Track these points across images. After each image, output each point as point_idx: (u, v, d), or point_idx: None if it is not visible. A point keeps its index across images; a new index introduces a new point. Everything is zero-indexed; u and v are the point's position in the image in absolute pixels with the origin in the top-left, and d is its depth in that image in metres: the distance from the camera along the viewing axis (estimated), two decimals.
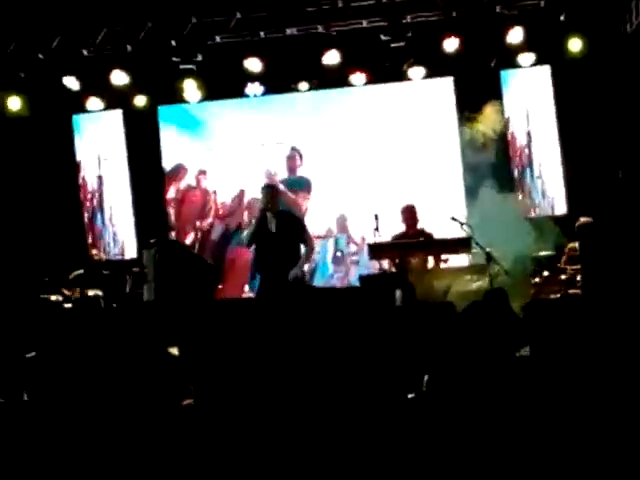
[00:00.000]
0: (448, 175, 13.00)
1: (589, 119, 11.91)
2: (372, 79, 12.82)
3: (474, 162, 12.33)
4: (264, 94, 13.01)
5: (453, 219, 10.60)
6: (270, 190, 10.60)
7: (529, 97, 13.03)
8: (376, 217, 10.84)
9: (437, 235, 10.99)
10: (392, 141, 13.19)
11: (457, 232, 10.58)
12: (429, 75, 12.81)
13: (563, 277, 10.40)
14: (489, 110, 12.28)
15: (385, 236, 10.90)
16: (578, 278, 10.18)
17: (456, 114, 12.88)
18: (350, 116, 13.29)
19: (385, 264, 10.99)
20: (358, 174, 13.21)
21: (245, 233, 10.72)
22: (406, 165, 13.10)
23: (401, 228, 11.15)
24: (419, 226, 11.11)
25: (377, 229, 10.81)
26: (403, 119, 13.17)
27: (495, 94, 12.68)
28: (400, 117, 13.18)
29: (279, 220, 10.37)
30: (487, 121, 12.24)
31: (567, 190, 12.73)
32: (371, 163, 13.20)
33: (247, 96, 13.01)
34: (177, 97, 13.02)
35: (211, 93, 12.96)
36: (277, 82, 12.85)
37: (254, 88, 12.88)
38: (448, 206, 12.17)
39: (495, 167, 12.29)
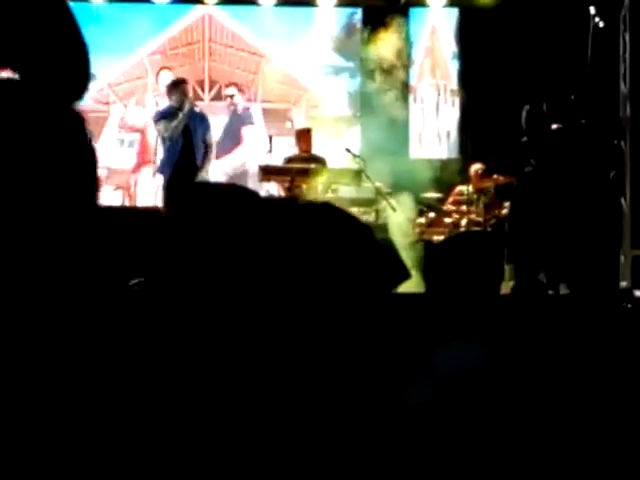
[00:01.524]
0: (346, 105, 12.98)
1: (491, 69, 11.99)
2: (283, 1, 12.62)
3: (372, 89, 12.24)
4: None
5: (347, 150, 10.64)
6: (186, 84, 10.37)
7: (435, 38, 13.07)
8: (270, 139, 10.78)
9: (329, 164, 10.99)
10: (297, 64, 13.04)
11: (349, 163, 10.62)
12: (339, 3, 12.71)
13: (448, 220, 10.55)
14: (392, 27, 12.04)
15: (278, 159, 10.86)
16: (463, 222, 10.35)
17: (360, 39, 12.74)
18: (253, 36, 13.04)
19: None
20: (255, 95, 13.05)
21: (170, 125, 10.18)
22: (306, 90, 13.01)
23: (294, 151, 11.11)
24: (313, 151, 11.08)
25: (270, 151, 10.76)
26: (308, 44, 12.99)
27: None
28: (305, 42, 12.99)
29: (199, 118, 10.20)
30: (389, 39, 11.98)
31: (460, 135, 12.87)
32: (272, 85, 13.05)
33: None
34: None
35: None
36: None
37: None
38: (343, 135, 12.21)
39: (393, 96, 12.24)
